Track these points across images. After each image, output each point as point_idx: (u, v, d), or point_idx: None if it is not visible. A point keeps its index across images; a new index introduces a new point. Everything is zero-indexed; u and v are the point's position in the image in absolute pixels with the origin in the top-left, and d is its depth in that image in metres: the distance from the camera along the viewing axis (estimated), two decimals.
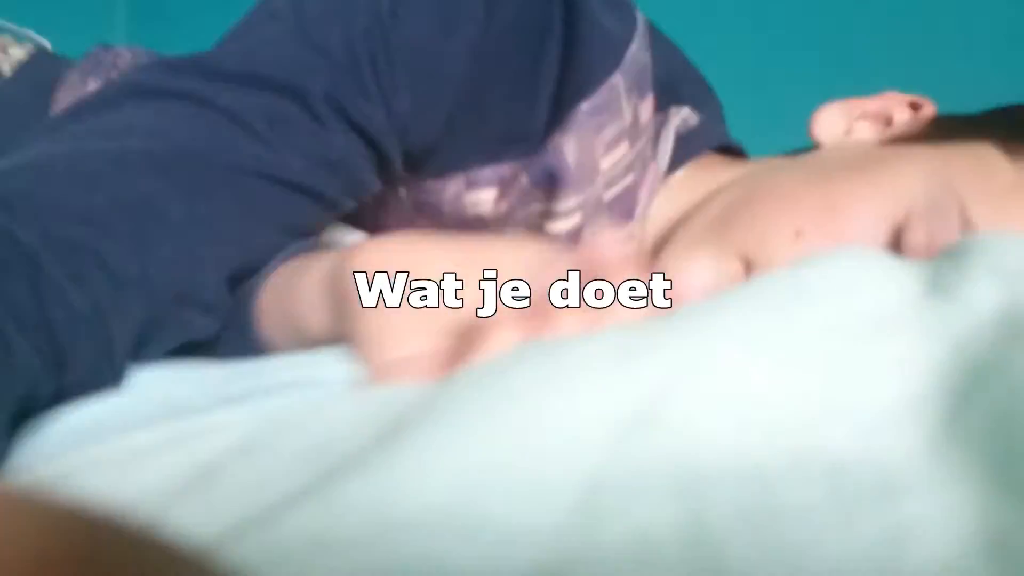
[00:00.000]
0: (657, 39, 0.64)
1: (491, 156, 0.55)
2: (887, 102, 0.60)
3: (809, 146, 0.63)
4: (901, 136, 0.55)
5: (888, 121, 0.60)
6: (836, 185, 0.52)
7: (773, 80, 1.12)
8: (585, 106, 0.54)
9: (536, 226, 0.59)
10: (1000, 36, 0.97)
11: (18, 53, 0.80)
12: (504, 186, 0.57)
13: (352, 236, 0.63)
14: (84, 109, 0.46)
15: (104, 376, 0.37)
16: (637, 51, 0.56)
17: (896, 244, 0.49)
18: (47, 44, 0.88)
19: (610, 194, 0.60)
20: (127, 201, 0.40)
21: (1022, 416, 0.17)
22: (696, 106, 0.66)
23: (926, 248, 0.47)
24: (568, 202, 0.56)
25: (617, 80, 0.55)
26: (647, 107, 0.60)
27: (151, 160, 0.42)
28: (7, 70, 0.81)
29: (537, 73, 0.53)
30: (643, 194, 0.62)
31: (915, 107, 0.59)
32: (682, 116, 0.64)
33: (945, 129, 0.54)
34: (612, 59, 0.55)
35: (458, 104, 0.52)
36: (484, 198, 0.57)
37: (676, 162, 0.64)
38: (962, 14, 0.99)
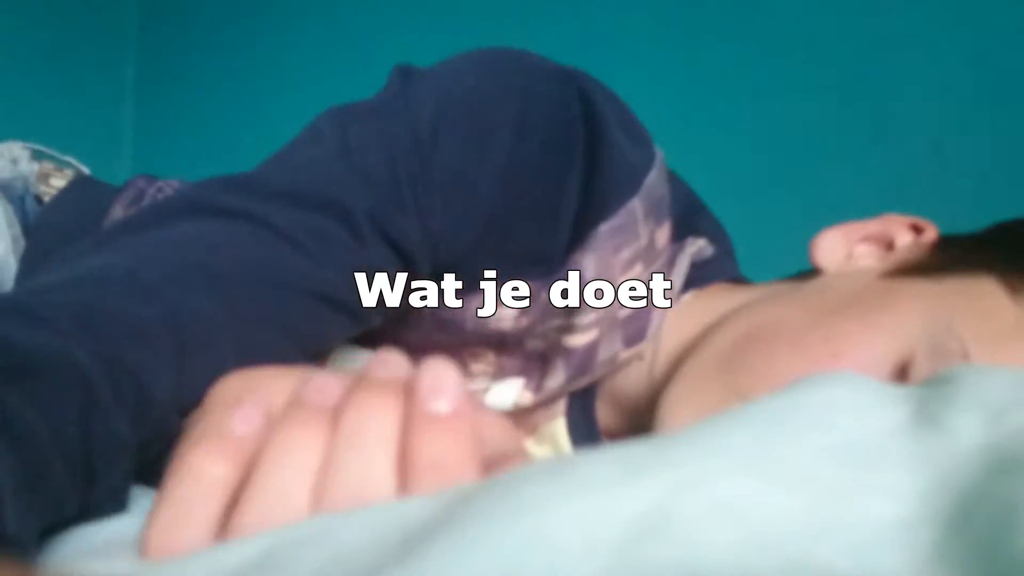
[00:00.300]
0: (675, 178, 0.67)
1: (515, 275, 0.57)
2: (887, 225, 0.60)
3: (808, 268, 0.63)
4: (903, 266, 0.55)
5: (889, 244, 0.59)
6: (838, 329, 0.52)
7: (770, 208, 1.15)
8: (604, 227, 0.56)
9: (554, 340, 0.60)
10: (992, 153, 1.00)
11: (59, 182, 0.82)
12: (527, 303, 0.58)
13: (363, 355, 0.64)
14: (141, 223, 0.47)
15: (120, 496, 0.37)
16: (655, 180, 0.58)
17: (900, 383, 0.49)
18: (86, 170, 0.90)
19: (624, 312, 0.61)
20: (177, 319, 0.40)
21: (1002, 547, 0.18)
22: (711, 241, 0.68)
23: None
24: (587, 317, 0.58)
25: (635, 204, 0.57)
26: (663, 233, 0.61)
27: (205, 275, 0.43)
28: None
29: (560, 198, 0.55)
30: (656, 314, 0.63)
31: (916, 229, 0.59)
32: (698, 245, 0.66)
33: (947, 258, 0.54)
34: (631, 185, 0.57)
35: (486, 225, 0.54)
36: (506, 314, 0.58)
37: (688, 285, 0.65)
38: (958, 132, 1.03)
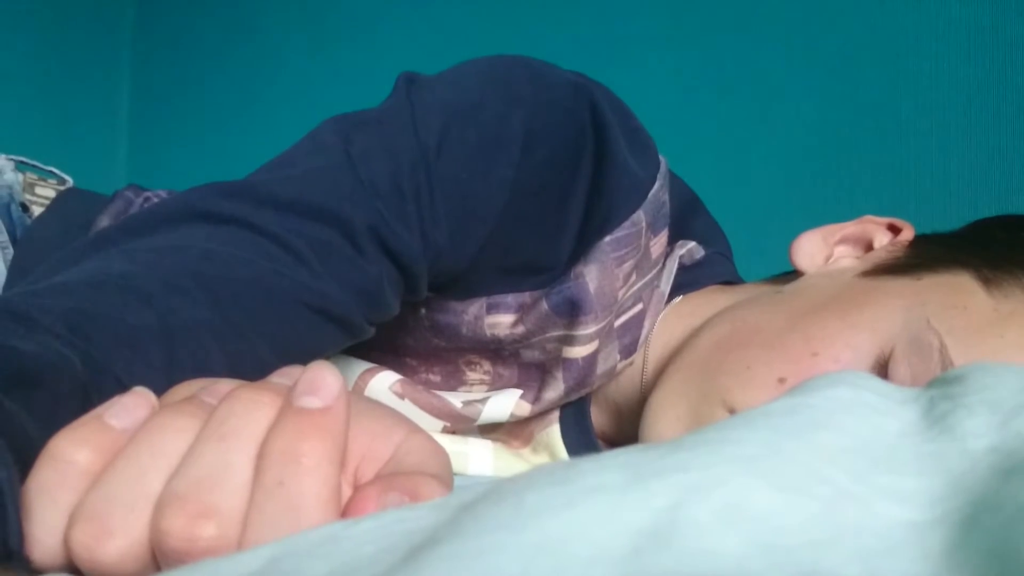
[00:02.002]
0: (673, 178, 0.67)
1: (515, 284, 0.56)
2: (865, 226, 0.61)
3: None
4: (881, 265, 0.56)
5: (868, 245, 0.60)
6: (817, 328, 0.52)
7: (753, 208, 1.15)
8: (608, 239, 0.56)
9: (554, 350, 0.59)
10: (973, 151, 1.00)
11: (45, 191, 0.83)
12: (524, 311, 0.58)
13: (360, 366, 0.64)
14: (138, 227, 0.46)
15: None
16: (658, 191, 0.58)
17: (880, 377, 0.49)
18: (70, 180, 0.90)
19: (620, 321, 0.61)
20: (169, 328, 0.40)
21: (1015, 551, 0.18)
22: (705, 242, 0.68)
23: (911, 386, 0.47)
24: (588, 329, 0.57)
25: (639, 216, 0.57)
26: (660, 242, 0.61)
27: (201, 284, 0.42)
28: (36, 211, 0.83)
29: (566, 211, 0.55)
30: (648, 321, 0.63)
31: (894, 229, 0.60)
32: (688, 248, 0.66)
33: (924, 256, 0.54)
34: (636, 198, 0.57)
35: (489, 238, 0.53)
36: (502, 321, 0.58)
37: (677, 290, 0.65)
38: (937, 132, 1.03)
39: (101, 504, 0.25)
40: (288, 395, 0.26)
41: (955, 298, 0.50)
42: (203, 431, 0.26)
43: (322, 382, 0.26)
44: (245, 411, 0.26)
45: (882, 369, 0.49)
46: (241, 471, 0.25)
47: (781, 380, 0.50)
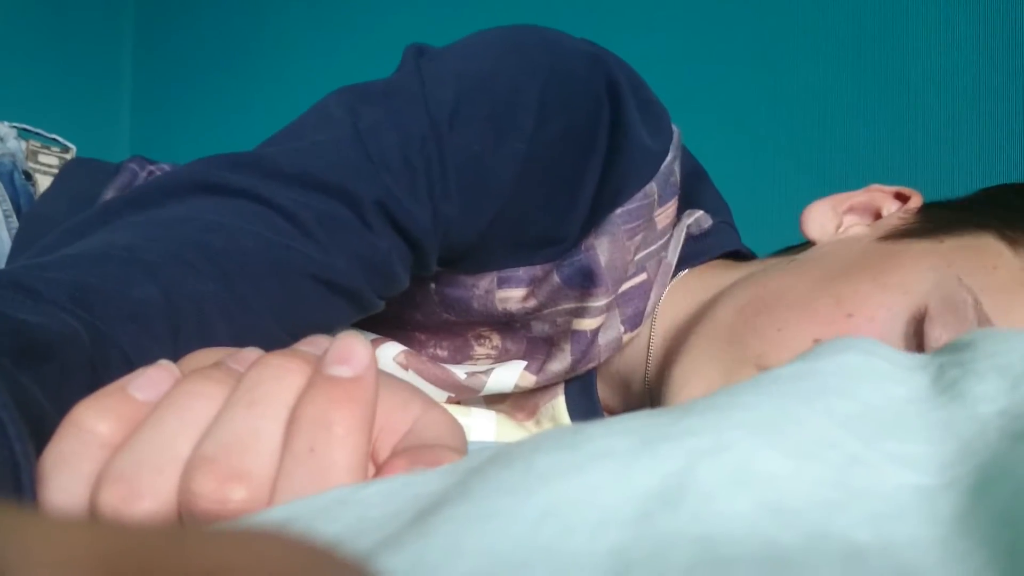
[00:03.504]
0: (682, 149, 0.66)
1: (525, 257, 0.56)
2: (873, 195, 0.60)
3: (799, 242, 0.63)
4: (897, 230, 0.55)
5: (876, 214, 0.60)
6: (848, 290, 0.51)
7: (756, 181, 1.14)
8: (620, 211, 0.55)
9: (564, 323, 0.59)
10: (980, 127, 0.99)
11: (48, 159, 0.82)
12: (535, 284, 0.57)
13: (365, 337, 0.64)
14: (144, 199, 0.46)
15: None
16: (670, 162, 0.58)
17: (914, 338, 0.49)
18: (73, 148, 0.90)
19: (621, 289, 0.61)
20: (176, 301, 0.39)
21: None
22: (710, 212, 0.67)
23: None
24: (600, 301, 0.57)
25: (651, 189, 0.56)
26: (666, 213, 0.61)
27: (206, 255, 0.42)
28: (40, 179, 0.82)
29: (579, 183, 0.54)
30: (654, 293, 0.62)
31: (901, 198, 0.60)
32: (695, 218, 0.65)
33: (940, 220, 0.54)
34: (649, 170, 0.56)
35: (501, 211, 0.53)
36: (513, 295, 0.58)
37: (685, 260, 0.65)
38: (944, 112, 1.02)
39: (129, 467, 0.24)
40: (318, 364, 0.26)
41: (983, 259, 0.49)
42: (232, 396, 0.26)
43: (353, 352, 0.26)
44: (275, 377, 0.26)
45: (917, 328, 0.49)
46: (271, 437, 0.25)
47: (816, 341, 0.50)
